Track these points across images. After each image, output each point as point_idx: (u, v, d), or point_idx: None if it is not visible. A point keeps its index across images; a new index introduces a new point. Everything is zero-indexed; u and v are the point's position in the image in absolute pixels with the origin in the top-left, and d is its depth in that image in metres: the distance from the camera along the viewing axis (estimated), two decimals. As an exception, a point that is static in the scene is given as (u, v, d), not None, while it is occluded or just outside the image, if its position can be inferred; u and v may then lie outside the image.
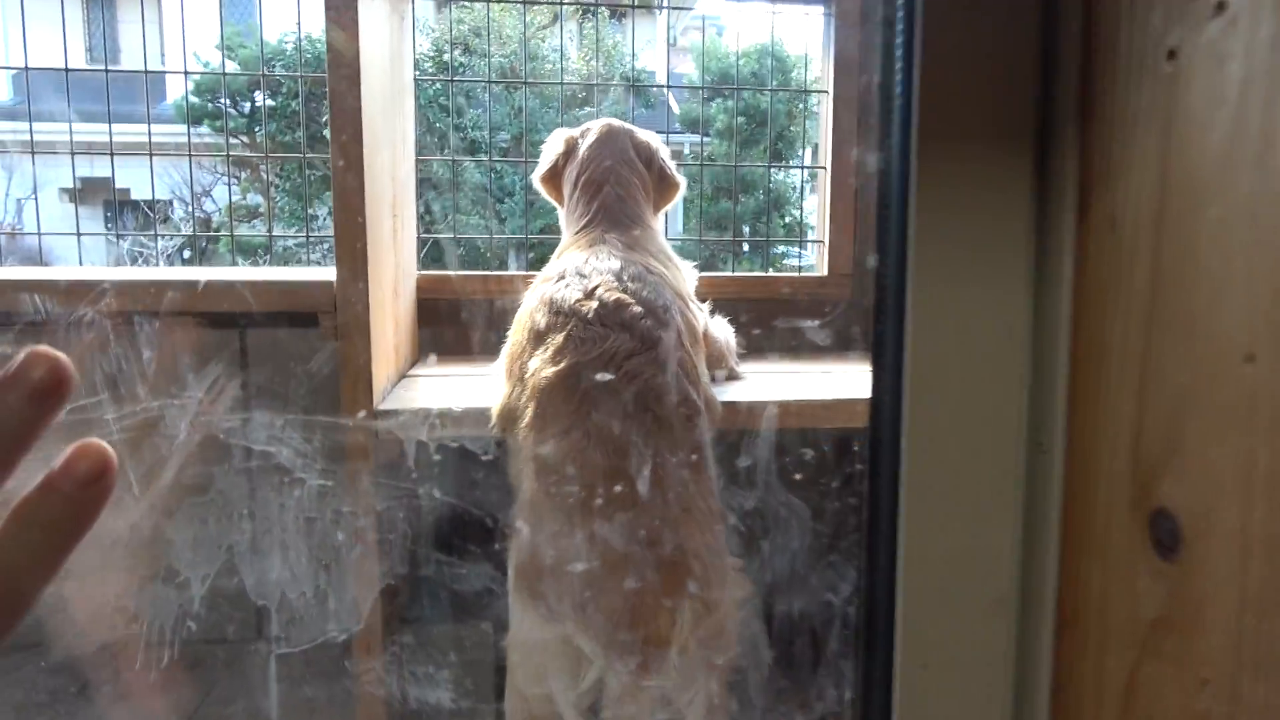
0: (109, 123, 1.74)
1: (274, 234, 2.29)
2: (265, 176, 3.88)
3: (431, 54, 4.22)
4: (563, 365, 1.13)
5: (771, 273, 1.97)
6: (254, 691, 1.33)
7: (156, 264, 2.49)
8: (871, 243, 1.36)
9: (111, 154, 1.74)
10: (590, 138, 1.44)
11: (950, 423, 0.40)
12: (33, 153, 1.81)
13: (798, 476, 1.22)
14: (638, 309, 1.18)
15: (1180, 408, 0.34)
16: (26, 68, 1.70)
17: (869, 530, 0.43)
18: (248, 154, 4.48)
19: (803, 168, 2.27)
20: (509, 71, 3.79)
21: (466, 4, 3.79)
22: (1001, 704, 0.42)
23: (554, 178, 1.48)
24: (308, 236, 2.08)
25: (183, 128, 4.51)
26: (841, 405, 1.27)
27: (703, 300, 1.45)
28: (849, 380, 1.46)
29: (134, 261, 3.27)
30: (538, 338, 1.18)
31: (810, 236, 1.95)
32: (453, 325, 1.64)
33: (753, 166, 4.11)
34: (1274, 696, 0.30)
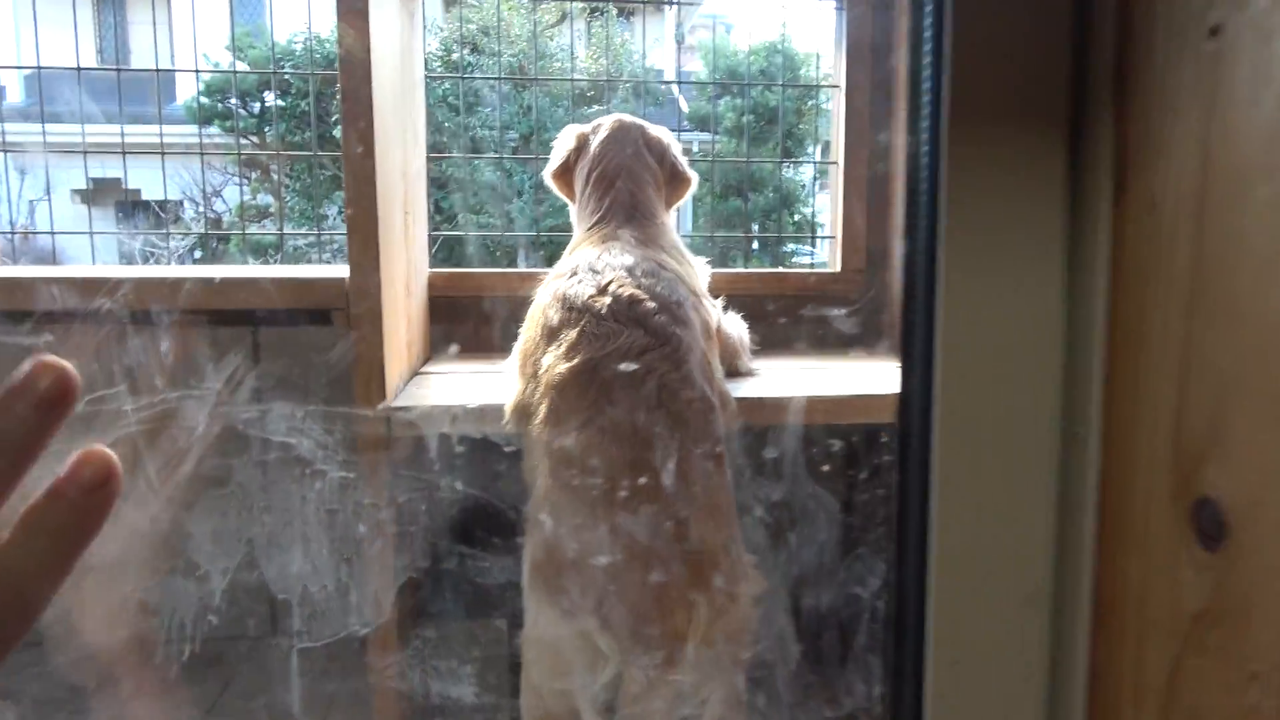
0: (121, 123, 1.75)
1: (285, 233, 2.30)
2: (276, 177, 3.90)
3: (440, 53, 4.22)
4: (576, 361, 1.12)
5: (783, 269, 1.96)
6: (272, 685, 1.34)
7: (168, 263, 2.50)
8: (884, 238, 1.36)
9: (124, 153, 1.74)
10: (602, 133, 1.44)
11: (982, 411, 0.40)
12: (45, 153, 1.82)
13: (816, 472, 1.21)
14: (651, 304, 1.17)
15: (1225, 394, 0.33)
16: (39, 67, 1.70)
17: (899, 523, 0.42)
18: (260, 153, 4.50)
19: (815, 163, 2.26)
20: (518, 70, 3.79)
21: (474, 2, 3.79)
22: (1035, 699, 0.41)
23: (565, 174, 1.47)
24: (319, 234, 2.08)
25: (192, 128, 4.53)
26: (859, 400, 1.26)
27: (715, 296, 1.44)
28: (866, 375, 1.45)
29: (145, 261, 3.29)
30: (551, 334, 1.17)
31: (820, 234, 1.94)
32: (465, 322, 1.64)
33: (764, 162, 4.09)
34: (1328, 690, 0.29)
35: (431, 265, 1.63)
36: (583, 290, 1.19)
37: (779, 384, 1.37)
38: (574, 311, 1.17)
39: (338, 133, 1.17)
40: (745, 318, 1.49)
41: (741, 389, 1.31)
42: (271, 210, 4.57)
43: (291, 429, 1.15)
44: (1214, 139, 0.33)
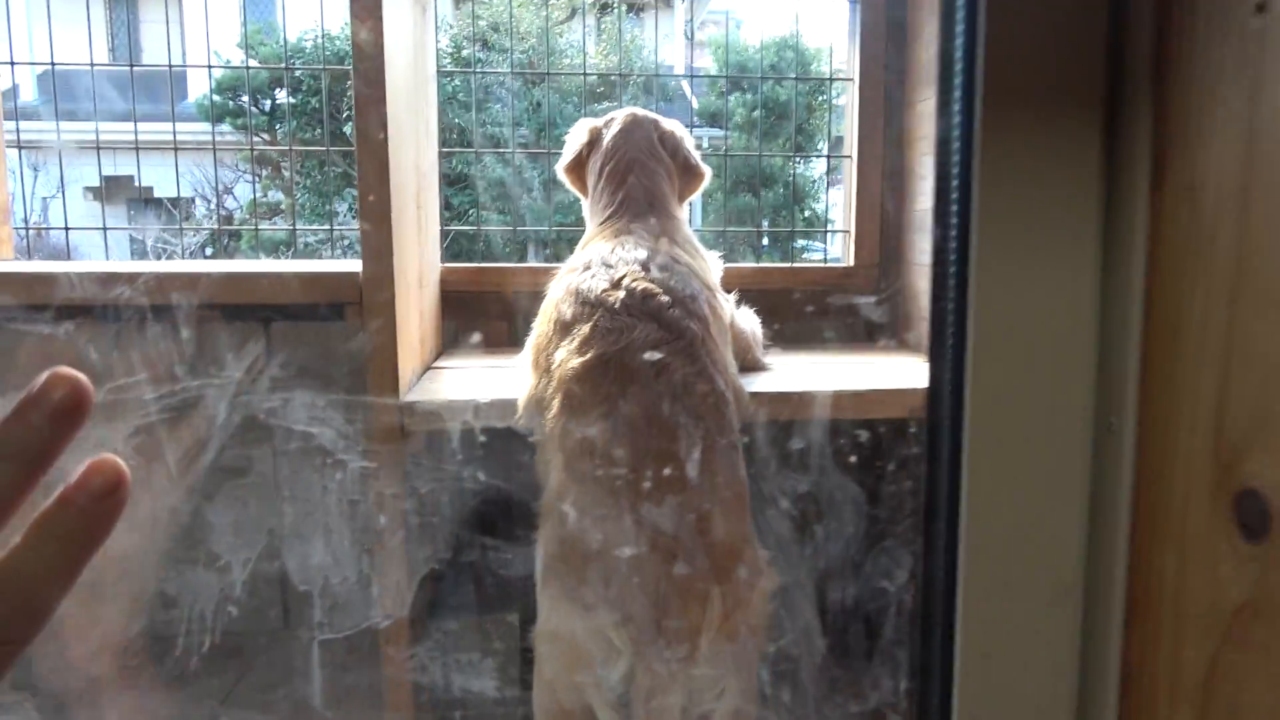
0: (134, 121, 1.75)
1: (297, 228, 2.30)
2: (289, 173, 3.91)
3: (450, 50, 4.22)
4: (590, 356, 1.11)
5: (796, 264, 1.95)
6: (287, 676, 1.34)
7: (181, 260, 2.51)
8: (899, 232, 1.35)
9: (137, 149, 1.75)
10: (615, 127, 1.43)
11: (1014, 402, 0.39)
12: (60, 150, 1.83)
13: (833, 465, 1.20)
14: (665, 298, 1.16)
15: (1270, 384, 0.32)
16: (53, 63, 1.71)
17: (927, 515, 0.41)
18: (273, 148, 4.51)
19: (829, 157, 2.24)
20: (527, 68, 3.79)
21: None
22: (1067, 694, 0.41)
23: (578, 168, 1.47)
24: (331, 229, 2.08)
25: (203, 125, 4.55)
26: (876, 395, 1.25)
27: (728, 291, 1.43)
28: (882, 370, 1.44)
29: (158, 258, 3.30)
30: (564, 328, 1.17)
31: (831, 229, 1.93)
32: (476, 317, 1.64)
33: (776, 157, 4.08)
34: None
35: (442, 261, 1.63)
36: (596, 284, 1.18)
37: (792, 378, 1.37)
38: (587, 306, 1.16)
39: (348, 129, 1.17)
40: (758, 312, 1.48)
41: (755, 383, 1.31)
42: (283, 207, 4.59)
43: (300, 421, 1.15)
44: (1259, 121, 0.32)
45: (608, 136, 1.43)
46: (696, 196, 1.56)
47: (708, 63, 5.58)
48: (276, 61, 4.39)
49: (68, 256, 2.04)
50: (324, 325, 1.42)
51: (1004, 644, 0.40)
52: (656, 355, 1.08)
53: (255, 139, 4.54)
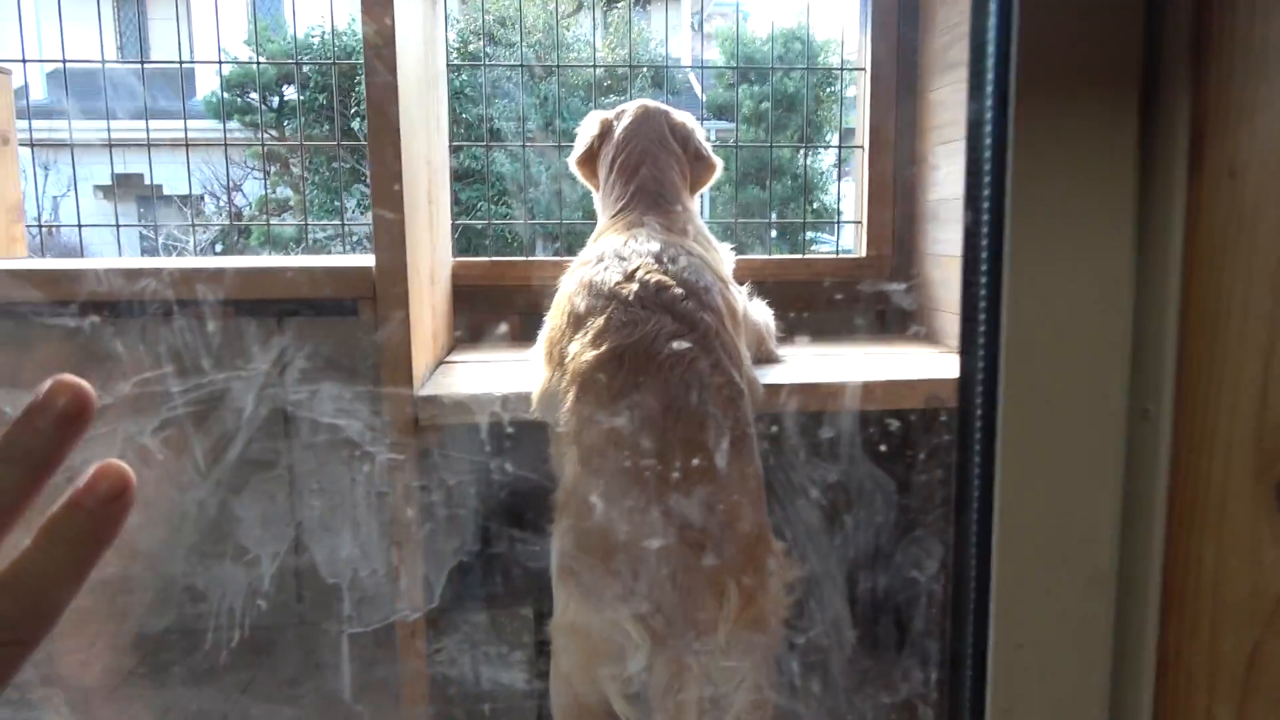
0: (146, 119, 1.75)
1: (308, 223, 2.31)
2: (301, 169, 3.91)
3: (457, 44, 4.22)
4: (603, 348, 1.11)
5: (808, 255, 1.94)
6: (308, 670, 1.34)
7: (192, 256, 2.52)
8: (911, 222, 1.33)
9: (149, 146, 1.75)
10: (626, 119, 1.42)
11: (1047, 389, 0.38)
12: (72, 147, 1.83)
13: (859, 456, 1.20)
14: (679, 290, 1.16)
15: (1315, 367, 0.31)
16: (65, 61, 1.71)
17: (958, 505, 0.41)
18: (283, 144, 4.52)
19: (840, 147, 2.23)
20: (535, 61, 3.78)
21: (491, -7, 3.78)
22: (1101, 685, 0.40)
23: (590, 160, 1.46)
24: (343, 224, 2.09)
25: (211, 123, 4.57)
26: (893, 386, 1.25)
27: (740, 283, 1.43)
28: (896, 361, 1.43)
29: (169, 255, 3.31)
30: (577, 321, 1.17)
31: (840, 221, 1.92)
32: (488, 311, 1.64)
33: (786, 148, 4.05)
34: None
35: (451, 256, 1.63)
36: (609, 277, 1.18)
37: (806, 370, 1.36)
38: (601, 298, 1.16)
39: (356, 125, 1.16)
40: (770, 304, 1.47)
41: (769, 375, 1.30)
42: (291, 203, 4.60)
43: (326, 414, 1.15)
44: (1303, 99, 0.31)
45: (619, 129, 1.42)
46: (707, 188, 1.56)
47: (715, 55, 5.56)
48: (284, 58, 4.39)
49: (80, 254, 2.05)
50: (348, 319, 1.42)
51: (1038, 634, 0.39)
52: (685, 345, 1.07)
53: (261, 135, 4.55)
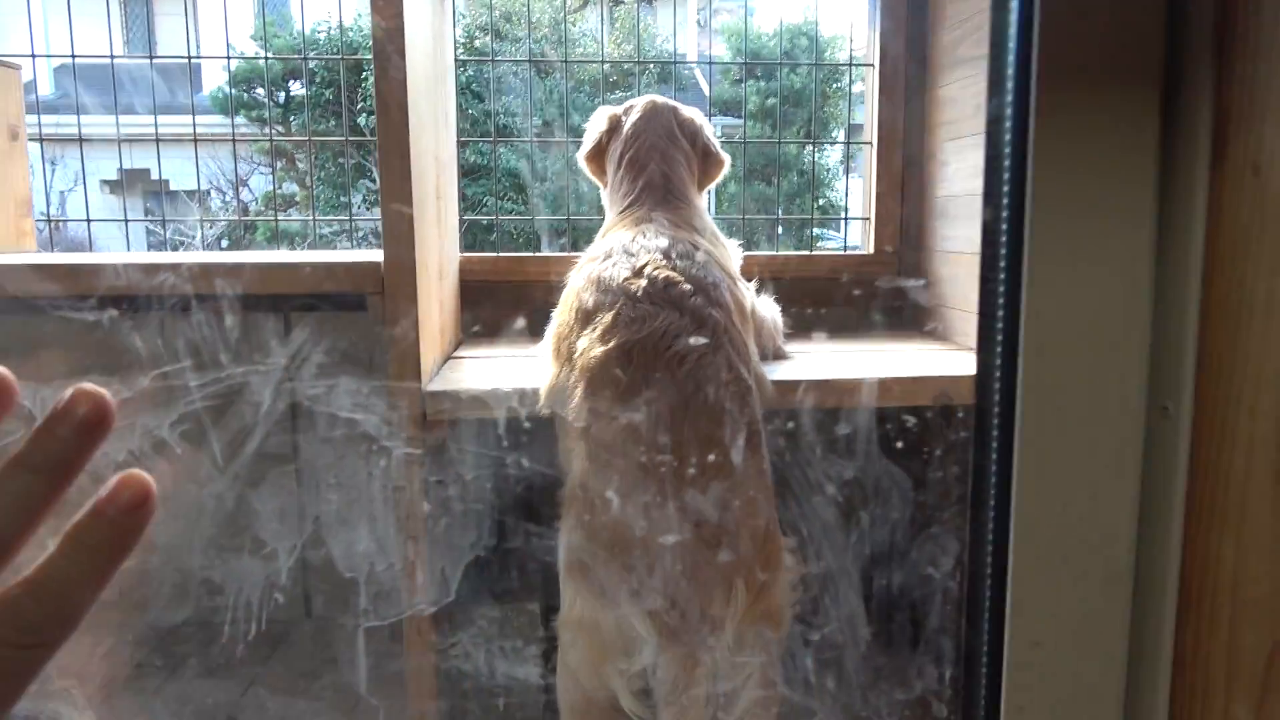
0: (154, 114, 1.76)
1: (316, 219, 2.31)
2: (307, 165, 3.92)
3: (463, 40, 4.22)
4: (612, 344, 1.11)
5: (816, 252, 1.94)
6: (318, 662, 1.35)
7: (199, 251, 2.53)
8: (919, 219, 1.33)
9: (158, 141, 1.75)
10: (634, 115, 1.42)
11: (1066, 386, 0.38)
12: (81, 142, 1.84)
13: (855, 455, 1.20)
14: (687, 287, 1.15)
15: (1339, 364, 0.31)
16: (74, 56, 1.72)
17: (974, 502, 0.40)
18: (291, 139, 4.52)
19: (848, 143, 2.23)
20: (541, 57, 3.78)
21: (497, -12, 3.78)
22: (1117, 682, 0.40)
23: (598, 156, 1.46)
24: (350, 220, 2.09)
25: (217, 118, 4.57)
26: (902, 383, 1.24)
27: (748, 280, 1.43)
28: (905, 358, 1.43)
29: (175, 250, 3.32)
30: (586, 317, 1.17)
31: (847, 217, 1.91)
32: (496, 307, 1.64)
33: (794, 143, 4.05)
34: None
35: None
36: (618, 273, 1.18)
37: (815, 367, 1.36)
38: (609, 294, 1.16)
39: (362, 120, 1.16)
40: (777, 300, 1.47)
41: (777, 371, 1.30)
42: (297, 199, 4.60)
43: (336, 409, 1.16)
44: (1329, 94, 0.31)
45: (628, 124, 1.42)
46: (715, 184, 1.55)
47: (721, 50, 5.54)
48: (291, 53, 4.40)
49: (89, 249, 2.05)
50: (345, 315, 1.42)
51: (1054, 632, 0.39)
52: (702, 340, 1.07)
53: (270, 131, 4.56)
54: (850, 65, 1.92)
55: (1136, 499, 0.40)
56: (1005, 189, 0.37)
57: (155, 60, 1.95)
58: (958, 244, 1.57)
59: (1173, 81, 0.36)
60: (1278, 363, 0.33)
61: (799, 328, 1.55)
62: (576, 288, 1.22)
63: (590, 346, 1.12)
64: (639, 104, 1.43)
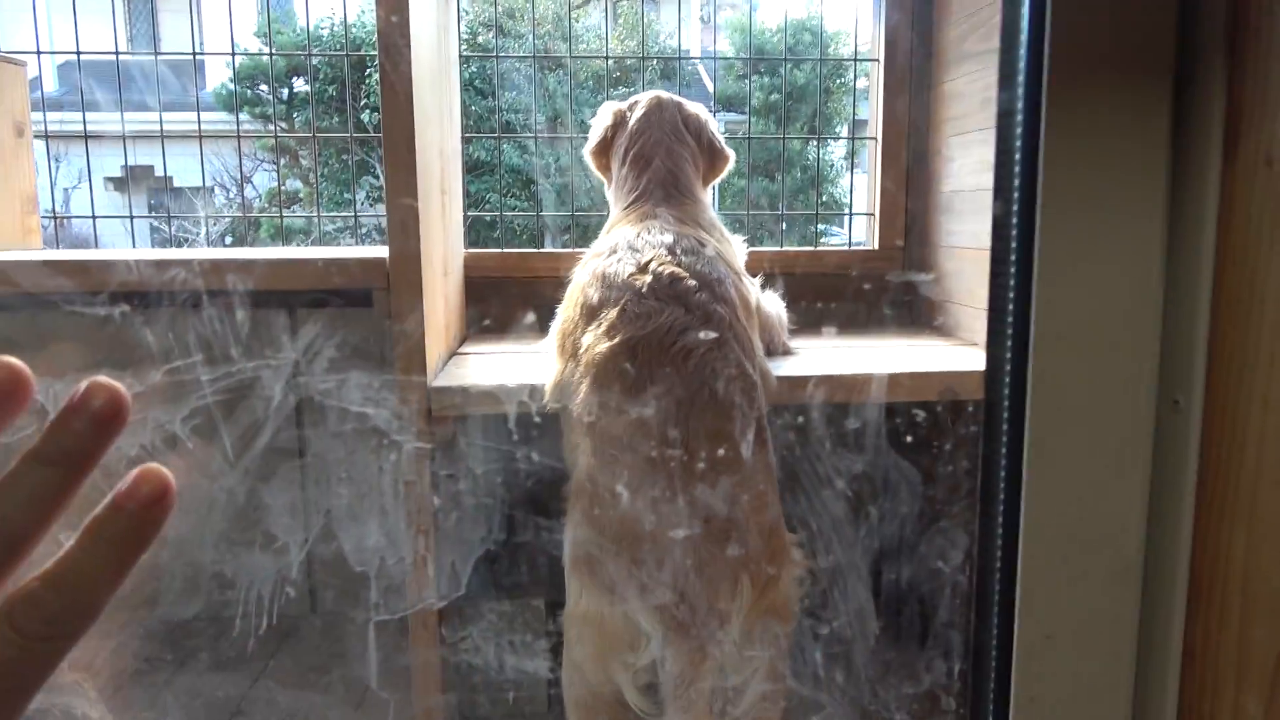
0: (159, 111, 1.76)
1: (321, 215, 2.31)
2: (311, 161, 3.92)
3: (466, 36, 4.22)
4: (617, 340, 1.11)
5: (821, 248, 1.94)
6: (329, 655, 1.35)
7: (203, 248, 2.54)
8: (923, 214, 1.32)
9: (163, 138, 1.76)
10: (639, 111, 1.42)
11: (1076, 380, 0.38)
12: (86, 139, 1.84)
13: (863, 449, 1.20)
14: (692, 282, 1.16)
15: (1351, 357, 0.31)
16: (79, 52, 1.72)
17: (983, 496, 0.41)
18: (296, 136, 4.53)
19: (852, 139, 2.22)
20: (545, 52, 3.77)
21: (501, -16, 3.77)
22: (1126, 675, 0.40)
23: (603, 152, 1.46)
24: (355, 216, 2.09)
25: (221, 115, 4.58)
26: (905, 379, 1.24)
27: (753, 275, 1.43)
28: (910, 353, 1.42)
29: (179, 246, 3.33)
30: (591, 313, 1.17)
31: (851, 213, 1.91)
32: (500, 303, 1.64)
33: (798, 139, 4.04)
34: None
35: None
36: (623, 268, 1.18)
37: (820, 362, 1.36)
38: (614, 290, 1.16)
39: (366, 117, 1.17)
40: (782, 296, 1.47)
41: (781, 367, 1.30)
42: (301, 196, 4.61)
43: (335, 407, 1.16)
44: (1343, 87, 0.31)
45: (632, 120, 1.42)
46: (720, 180, 1.55)
47: (725, 46, 5.53)
48: (295, 50, 4.40)
49: (94, 245, 2.06)
50: (351, 311, 1.43)
51: (1064, 625, 0.39)
52: (711, 334, 1.07)
53: (274, 127, 4.56)
54: (855, 60, 1.92)
55: (1147, 492, 0.40)
56: (1016, 183, 0.37)
57: (160, 57, 1.95)
58: (964, 239, 1.57)
59: (1184, 75, 0.36)
60: (1289, 356, 0.33)
61: (806, 323, 1.55)
62: (581, 283, 1.22)
63: (595, 342, 1.12)
64: (644, 99, 1.43)
